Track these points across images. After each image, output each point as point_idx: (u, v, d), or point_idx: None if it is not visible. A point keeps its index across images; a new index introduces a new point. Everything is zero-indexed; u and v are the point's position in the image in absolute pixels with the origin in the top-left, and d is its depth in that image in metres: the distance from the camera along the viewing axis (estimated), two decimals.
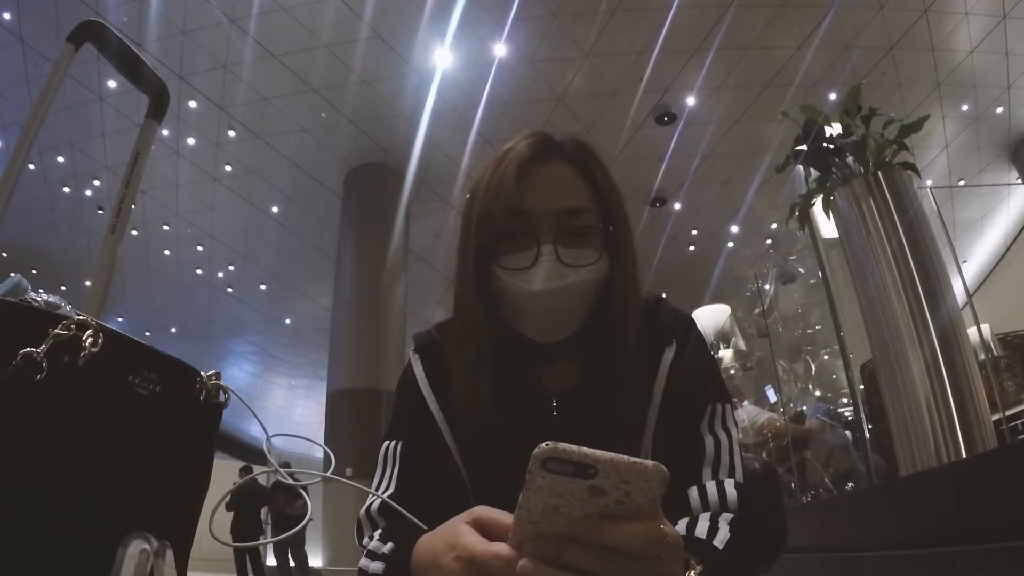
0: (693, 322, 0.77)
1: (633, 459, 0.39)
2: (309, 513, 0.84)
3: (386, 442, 0.75)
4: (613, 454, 0.39)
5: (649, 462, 0.39)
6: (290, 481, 0.72)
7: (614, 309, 0.70)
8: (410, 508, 0.65)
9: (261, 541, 4.44)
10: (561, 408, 0.70)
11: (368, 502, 0.71)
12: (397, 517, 0.65)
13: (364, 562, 0.65)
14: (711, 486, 0.65)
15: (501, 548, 0.43)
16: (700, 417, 0.70)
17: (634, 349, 0.69)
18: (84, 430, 0.51)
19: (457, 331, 0.71)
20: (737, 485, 0.65)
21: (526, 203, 0.67)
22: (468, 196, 0.73)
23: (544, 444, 0.39)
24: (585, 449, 0.39)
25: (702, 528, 0.60)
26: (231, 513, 5.88)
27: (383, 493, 0.71)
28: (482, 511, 0.48)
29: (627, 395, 0.67)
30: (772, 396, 4.89)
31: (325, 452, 0.86)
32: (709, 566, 0.53)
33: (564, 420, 0.69)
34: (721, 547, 0.58)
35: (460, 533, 0.47)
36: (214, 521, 0.63)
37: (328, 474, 0.71)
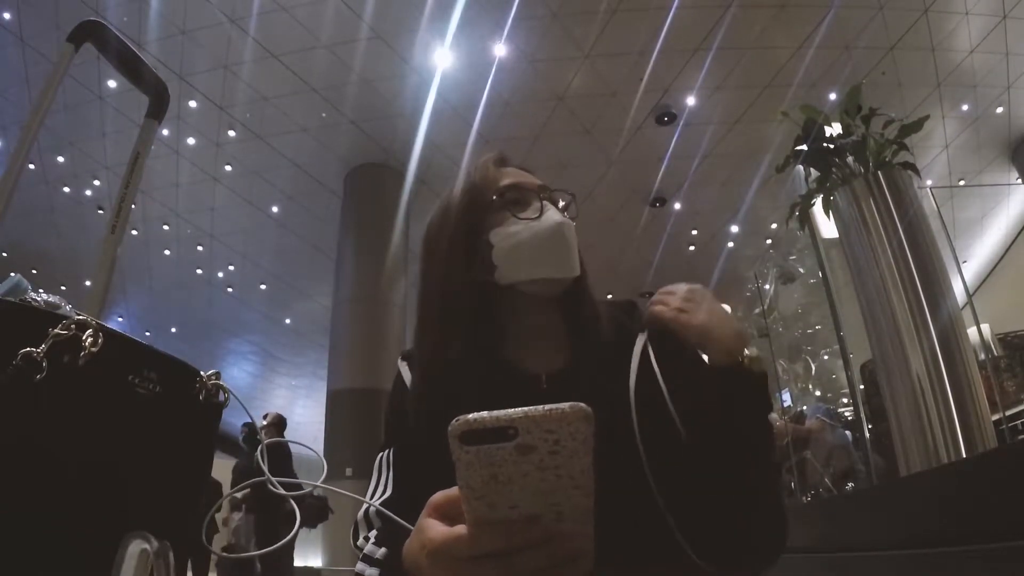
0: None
1: (548, 407, 0.38)
2: (298, 524, 0.84)
3: (380, 454, 0.77)
4: (527, 408, 0.38)
5: (566, 404, 0.38)
6: (281, 491, 0.72)
7: (587, 301, 0.77)
8: (409, 508, 0.65)
9: (250, 553, 4.44)
10: (551, 384, 0.72)
11: (364, 507, 0.72)
12: (392, 521, 0.65)
13: (360, 566, 0.65)
14: None
15: (458, 530, 0.43)
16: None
17: (604, 329, 0.74)
18: (84, 430, 0.51)
19: (439, 305, 0.75)
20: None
21: (513, 180, 0.77)
22: (439, 209, 0.80)
23: (455, 420, 0.39)
24: (496, 412, 0.38)
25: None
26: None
27: (378, 497, 0.71)
28: (436, 497, 0.47)
29: (610, 375, 0.70)
30: (787, 400, 4.88)
31: (319, 459, 0.86)
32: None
33: (554, 396, 0.69)
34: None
35: (425, 528, 0.46)
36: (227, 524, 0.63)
37: (319, 483, 0.71)
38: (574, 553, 0.43)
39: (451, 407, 0.69)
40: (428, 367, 0.74)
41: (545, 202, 0.74)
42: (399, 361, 0.79)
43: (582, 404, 0.38)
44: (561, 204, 0.77)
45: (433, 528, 0.46)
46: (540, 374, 0.73)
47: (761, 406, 0.68)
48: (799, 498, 3.70)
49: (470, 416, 0.38)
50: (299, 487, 0.78)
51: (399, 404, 0.77)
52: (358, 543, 0.70)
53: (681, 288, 0.75)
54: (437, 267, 0.75)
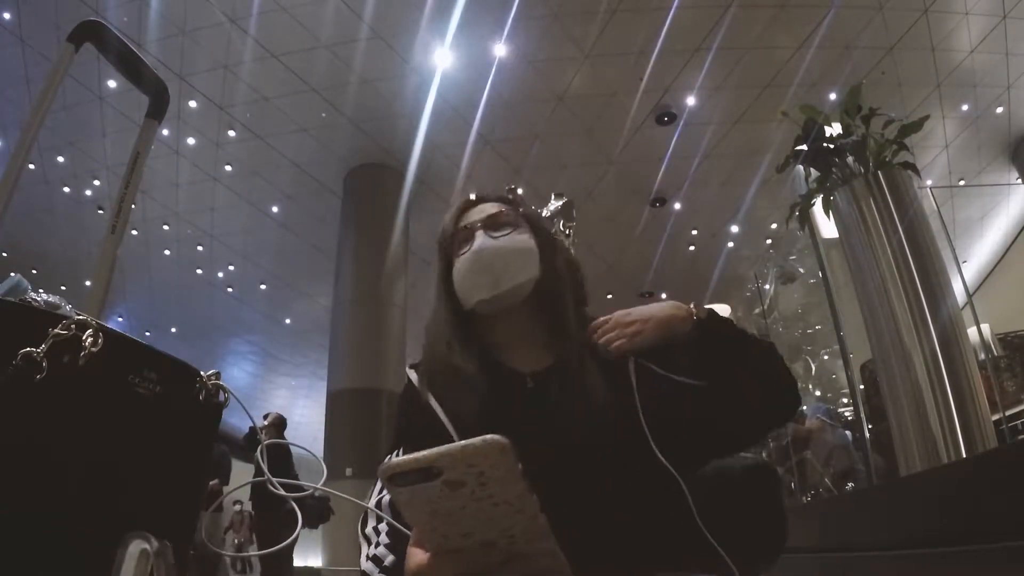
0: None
1: (463, 443, 0.40)
2: (299, 526, 0.87)
3: (389, 454, 0.83)
4: (444, 447, 0.40)
5: (478, 439, 0.40)
6: (281, 492, 0.72)
7: (556, 305, 0.86)
8: None
9: (250, 553, 4.45)
10: (535, 383, 0.81)
11: (375, 498, 0.79)
12: (397, 518, 0.71)
13: (369, 567, 0.71)
14: None
15: (426, 557, 0.48)
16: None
17: (575, 334, 0.84)
18: (84, 430, 0.51)
19: (433, 329, 0.89)
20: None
21: (465, 221, 0.90)
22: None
23: (382, 465, 0.42)
24: (417, 454, 0.41)
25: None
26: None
27: (383, 496, 0.78)
28: None
29: (596, 373, 0.80)
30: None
31: (318, 461, 0.87)
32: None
33: (538, 393, 0.80)
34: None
35: (409, 556, 0.52)
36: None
37: (319, 485, 0.71)
38: (542, 571, 0.46)
39: (456, 408, 0.78)
40: (431, 376, 0.84)
41: (479, 233, 0.86)
42: (407, 369, 0.89)
43: (497, 436, 0.40)
44: (503, 224, 0.88)
45: (413, 556, 0.50)
46: (526, 374, 0.82)
47: (730, 326, 0.80)
48: (799, 498, 3.70)
49: (394, 460, 0.42)
50: (298, 488, 0.78)
51: (408, 406, 0.85)
52: (366, 531, 0.73)
53: (615, 316, 0.85)
54: (434, 299, 0.91)
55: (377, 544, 0.72)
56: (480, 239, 0.85)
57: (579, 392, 0.77)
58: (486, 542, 0.43)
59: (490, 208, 0.90)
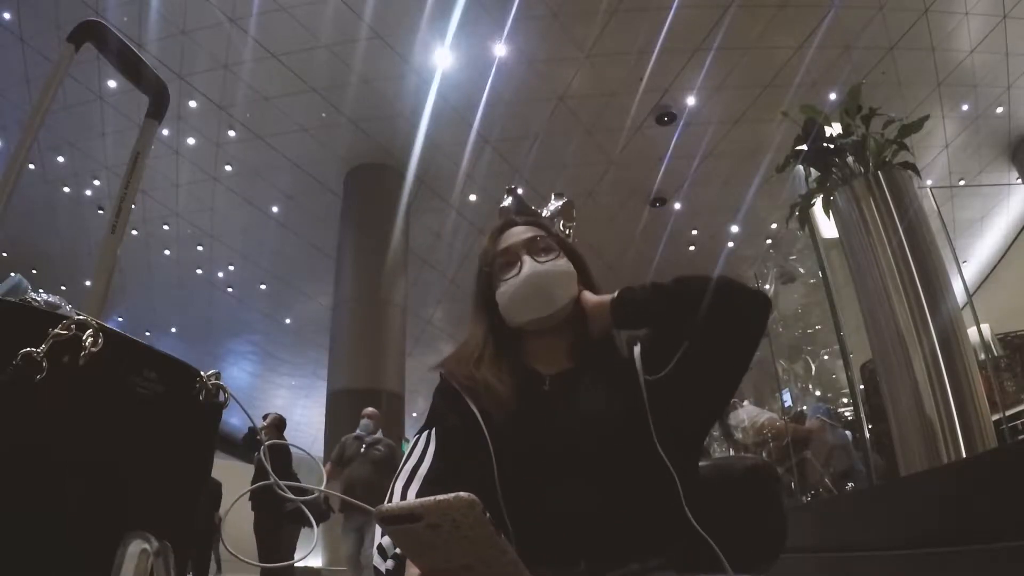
0: None
1: (438, 497, 0.50)
2: (316, 536, 0.96)
3: (418, 435, 1.03)
4: (423, 499, 0.50)
5: (451, 495, 0.50)
6: (288, 495, 0.73)
7: (579, 317, 0.93)
8: (449, 476, 0.85)
9: (289, 562, 4.49)
10: (552, 385, 0.90)
11: (404, 477, 0.99)
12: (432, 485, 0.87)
13: (376, 560, 0.84)
14: None
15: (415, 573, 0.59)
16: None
17: (601, 340, 0.92)
18: (84, 430, 0.51)
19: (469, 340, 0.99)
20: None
21: (506, 244, 0.97)
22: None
23: (377, 509, 0.51)
24: (404, 503, 0.52)
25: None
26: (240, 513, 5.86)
27: (419, 465, 1.01)
28: None
29: (609, 375, 0.87)
30: (788, 401, 4.87)
31: (317, 464, 0.88)
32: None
33: (554, 394, 0.89)
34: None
35: (408, 569, 0.64)
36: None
37: (322, 488, 0.72)
38: None
39: (486, 406, 0.87)
40: (465, 380, 0.93)
41: (526, 257, 0.93)
42: (439, 370, 0.98)
43: (464, 494, 0.50)
44: (543, 250, 0.96)
45: (410, 570, 0.61)
46: (545, 376, 0.91)
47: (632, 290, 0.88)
48: (799, 498, 3.70)
49: (385, 506, 0.52)
50: (302, 491, 0.78)
51: (444, 400, 0.94)
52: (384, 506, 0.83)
53: None
54: (472, 313, 1.00)
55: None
56: (529, 264, 0.93)
57: (589, 394, 0.85)
58: (465, 566, 0.54)
59: (527, 232, 0.98)
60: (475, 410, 0.86)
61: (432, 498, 0.49)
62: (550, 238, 0.98)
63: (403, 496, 0.89)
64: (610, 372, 0.88)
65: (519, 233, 0.98)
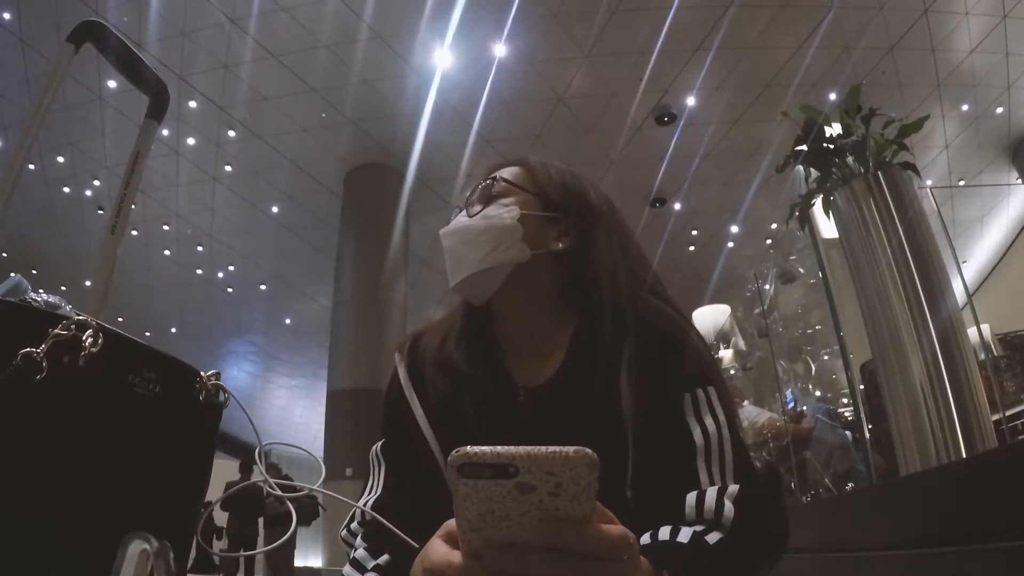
0: (660, 314, 0.73)
1: (553, 449, 0.37)
2: (294, 524, 0.87)
3: (375, 446, 0.77)
4: (530, 448, 0.37)
5: (571, 448, 0.37)
6: (278, 492, 0.72)
7: (587, 300, 0.73)
8: (397, 507, 0.68)
9: (253, 552, 4.43)
10: (527, 398, 0.71)
11: (362, 501, 0.72)
12: (380, 524, 0.65)
13: (348, 570, 0.65)
14: (711, 496, 0.60)
15: (454, 556, 0.43)
16: (681, 407, 0.66)
17: (605, 345, 0.69)
18: (84, 430, 0.51)
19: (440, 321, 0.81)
20: (739, 500, 0.60)
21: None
22: None
23: (456, 451, 0.38)
24: (499, 448, 0.37)
25: (684, 536, 0.56)
26: (220, 513, 5.87)
27: (371, 497, 0.72)
28: (450, 522, 0.46)
29: (596, 390, 0.67)
30: (790, 402, 4.86)
31: (316, 462, 0.86)
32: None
33: (530, 410, 0.70)
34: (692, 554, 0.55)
35: (430, 548, 0.47)
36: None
37: (317, 487, 0.71)
38: None
39: (438, 410, 0.71)
40: (434, 367, 0.75)
41: (456, 210, 0.77)
42: (395, 353, 0.80)
43: (587, 450, 0.37)
44: (482, 200, 0.77)
45: (436, 550, 0.46)
46: (519, 386, 0.72)
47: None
48: (799, 498, 3.70)
49: (470, 449, 0.38)
50: (293, 489, 0.78)
51: (394, 397, 0.77)
52: (342, 534, 0.71)
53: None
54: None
55: (352, 533, 0.70)
56: (455, 217, 0.77)
57: (564, 417, 0.67)
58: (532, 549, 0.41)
59: (488, 174, 0.80)
60: (422, 422, 0.70)
61: (544, 448, 0.37)
62: (507, 183, 0.77)
63: (363, 517, 0.68)
64: (595, 389, 0.68)
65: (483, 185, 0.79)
